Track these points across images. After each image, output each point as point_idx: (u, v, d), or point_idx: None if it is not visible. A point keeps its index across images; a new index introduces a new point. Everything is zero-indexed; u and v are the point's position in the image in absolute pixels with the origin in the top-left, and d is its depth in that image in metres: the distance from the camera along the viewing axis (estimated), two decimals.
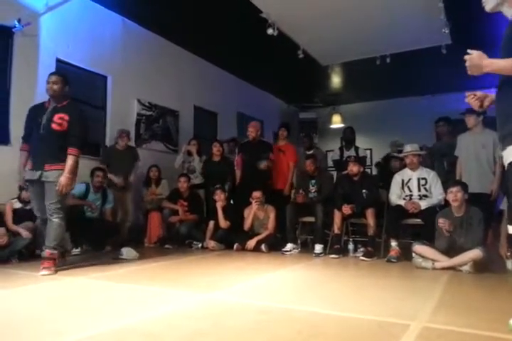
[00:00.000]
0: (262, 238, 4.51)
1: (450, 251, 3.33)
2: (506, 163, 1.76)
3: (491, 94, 1.92)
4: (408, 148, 4.26)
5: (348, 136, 5.97)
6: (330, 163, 6.36)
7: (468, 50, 1.77)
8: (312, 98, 9.11)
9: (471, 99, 1.92)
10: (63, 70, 4.68)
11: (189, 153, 5.68)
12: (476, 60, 1.74)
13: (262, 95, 8.70)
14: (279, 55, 6.19)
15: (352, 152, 5.70)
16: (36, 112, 3.34)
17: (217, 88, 7.21)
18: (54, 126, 3.21)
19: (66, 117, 3.24)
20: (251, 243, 4.47)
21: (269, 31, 4.92)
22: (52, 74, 3.38)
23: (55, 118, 3.23)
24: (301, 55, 5.73)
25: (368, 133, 8.24)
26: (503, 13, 1.87)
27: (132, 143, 5.38)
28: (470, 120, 4.25)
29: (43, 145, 3.23)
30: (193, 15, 5.33)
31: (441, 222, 3.34)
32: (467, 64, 1.77)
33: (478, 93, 1.92)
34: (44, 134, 3.23)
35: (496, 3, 1.84)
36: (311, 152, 5.82)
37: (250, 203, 4.72)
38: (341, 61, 6.60)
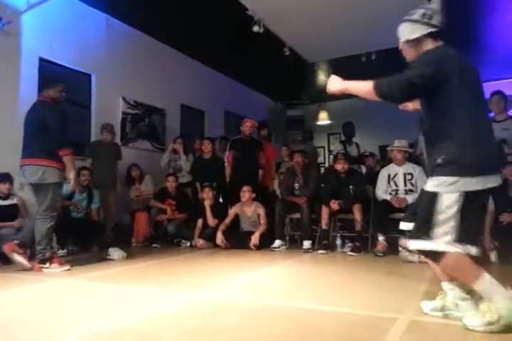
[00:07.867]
0: (260, 233, 4.49)
1: None
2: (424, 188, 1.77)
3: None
4: (396, 143, 4.30)
5: (349, 132, 5.96)
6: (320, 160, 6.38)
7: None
8: (299, 95, 9.12)
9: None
10: (46, 69, 4.61)
11: (175, 152, 5.66)
12: (339, 78, 1.84)
13: (249, 93, 8.67)
14: (266, 53, 6.17)
15: (354, 148, 5.79)
16: None
17: (204, 86, 7.15)
18: None
19: None
20: (255, 240, 4.41)
21: (255, 28, 4.91)
22: None
23: None
24: (287, 53, 5.73)
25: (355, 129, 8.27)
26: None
27: (118, 141, 5.34)
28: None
29: None
30: (178, 13, 5.27)
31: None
32: (330, 79, 1.86)
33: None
34: None
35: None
36: (303, 146, 5.83)
37: (240, 201, 4.71)
38: (327, 58, 6.62)
